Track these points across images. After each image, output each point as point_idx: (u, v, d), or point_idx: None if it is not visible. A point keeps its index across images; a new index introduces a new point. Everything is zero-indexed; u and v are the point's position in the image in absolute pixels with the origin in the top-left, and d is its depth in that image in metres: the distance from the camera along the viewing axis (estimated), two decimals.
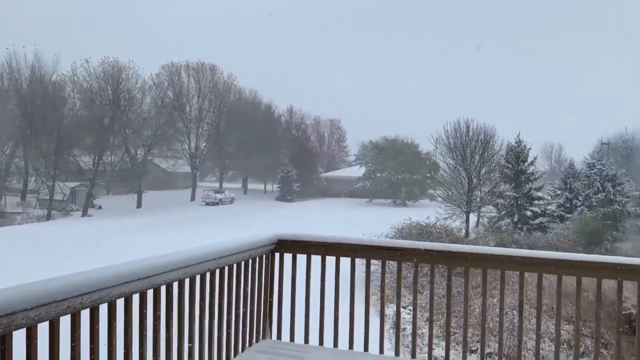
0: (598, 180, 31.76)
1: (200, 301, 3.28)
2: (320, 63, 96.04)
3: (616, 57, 75.06)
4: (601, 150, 38.03)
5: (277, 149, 62.23)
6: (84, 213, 44.35)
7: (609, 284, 3.68)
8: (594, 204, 29.94)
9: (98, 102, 49.63)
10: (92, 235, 29.38)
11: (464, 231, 28.37)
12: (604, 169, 32.34)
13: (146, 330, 2.77)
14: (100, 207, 47.15)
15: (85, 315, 2.38)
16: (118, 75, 49.86)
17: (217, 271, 3.45)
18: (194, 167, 58.13)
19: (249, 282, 3.84)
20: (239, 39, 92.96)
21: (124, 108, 49.76)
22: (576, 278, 3.51)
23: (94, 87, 49.69)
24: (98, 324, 2.43)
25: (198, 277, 3.25)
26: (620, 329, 3.66)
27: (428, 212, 26.61)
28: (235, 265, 3.64)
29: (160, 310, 2.90)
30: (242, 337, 3.80)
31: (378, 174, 56.28)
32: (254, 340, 3.97)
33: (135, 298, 2.70)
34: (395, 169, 54.61)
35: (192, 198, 55.36)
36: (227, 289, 3.56)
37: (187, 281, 3.12)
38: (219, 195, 52.99)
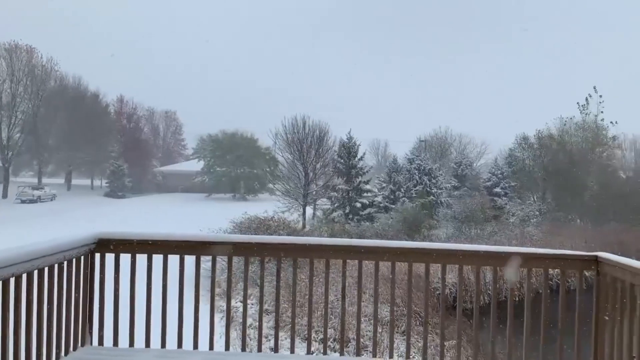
0: (417, 174, 35.30)
1: (1, 311, 2.91)
2: (154, 51, 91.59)
3: (433, 60, 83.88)
4: (419, 146, 42.20)
5: (105, 141, 57.73)
6: None
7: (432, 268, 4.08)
8: (414, 195, 33.24)
9: None
10: None
11: (301, 223, 29.42)
12: (422, 163, 36.02)
13: None
14: None
15: None
16: None
17: (24, 276, 3.08)
18: (6, 161, 51.36)
19: (64, 286, 3.50)
20: (61, 19, 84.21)
21: None
22: (391, 263, 3.85)
23: None
24: None
25: None
26: (437, 308, 4.07)
27: (267, 206, 26.97)
28: (47, 268, 3.30)
29: None
30: (57, 346, 3.47)
31: (217, 168, 55.47)
32: (71, 349, 3.65)
33: None
34: (235, 163, 54.40)
35: (4, 195, 48.93)
36: (36, 296, 3.20)
37: None
38: (37, 192, 47.58)
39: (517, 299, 3.95)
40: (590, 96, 37.57)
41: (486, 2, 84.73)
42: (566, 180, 34.81)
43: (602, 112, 37.58)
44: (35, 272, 3.18)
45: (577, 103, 37.92)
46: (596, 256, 3.68)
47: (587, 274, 3.78)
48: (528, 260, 3.80)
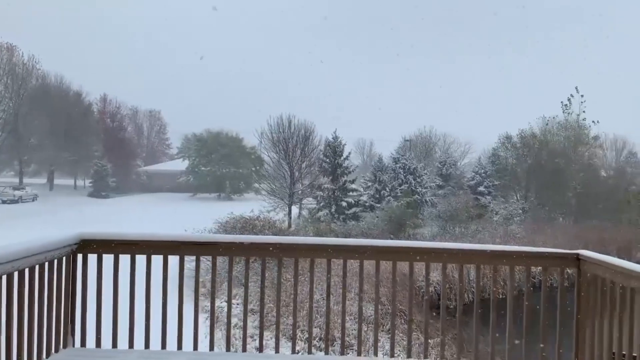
0: (402, 173, 35.44)
1: None
2: (138, 50, 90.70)
3: (421, 60, 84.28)
4: (404, 146, 42.32)
5: (88, 141, 56.98)
6: None
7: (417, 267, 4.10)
8: (399, 194, 33.37)
9: None
10: None
11: (286, 223, 29.37)
12: (407, 163, 36.18)
13: None
14: None
15: None
16: None
17: (4, 278, 3.03)
18: None
19: (45, 287, 3.45)
20: (44, 18, 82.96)
21: None
22: (375, 262, 3.86)
23: None
24: None
25: None
26: (418, 306, 4.09)
27: (253, 205, 26.88)
28: (27, 270, 3.24)
29: None
30: (38, 348, 3.42)
31: (202, 168, 55.15)
32: (53, 350, 3.60)
33: None
34: (220, 163, 54.14)
35: None
36: (17, 298, 3.15)
37: None
38: (18, 192, 46.86)
39: (500, 296, 3.98)
40: (572, 96, 38.09)
41: (476, 3, 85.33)
42: (549, 179, 35.23)
43: (584, 111, 38.14)
44: (16, 273, 3.13)
45: (561, 102, 38.41)
46: (577, 254, 3.73)
47: (569, 271, 3.83)
48: (511, 258, 3.84)
